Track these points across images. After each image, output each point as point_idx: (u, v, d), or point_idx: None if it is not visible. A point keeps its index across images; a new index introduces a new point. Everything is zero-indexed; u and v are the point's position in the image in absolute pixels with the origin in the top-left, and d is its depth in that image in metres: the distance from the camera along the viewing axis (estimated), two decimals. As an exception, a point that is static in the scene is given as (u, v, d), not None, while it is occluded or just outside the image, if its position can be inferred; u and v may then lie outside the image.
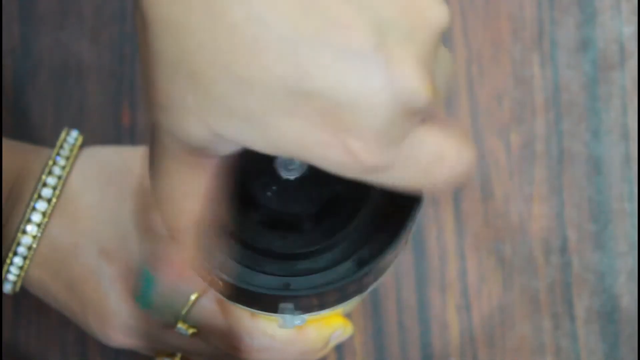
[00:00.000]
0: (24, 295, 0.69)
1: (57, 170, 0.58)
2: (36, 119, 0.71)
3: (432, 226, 0.70)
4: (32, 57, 0.71)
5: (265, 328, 0.58)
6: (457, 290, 0.69)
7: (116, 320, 0.58)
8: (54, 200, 0.56)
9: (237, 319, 0.57)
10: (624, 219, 0.70)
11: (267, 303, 0.49)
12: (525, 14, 0.72)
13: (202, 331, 0.58)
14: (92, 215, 0.57)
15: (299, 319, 0.54)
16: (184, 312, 0.57)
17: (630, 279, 0.70)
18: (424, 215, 0.70)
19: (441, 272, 0.70)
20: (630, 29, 0.72)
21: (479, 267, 0.70)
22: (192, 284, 0.57)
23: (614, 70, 0.72)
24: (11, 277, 0.58)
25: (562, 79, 0.72)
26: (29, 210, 0.57)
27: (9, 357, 0.68)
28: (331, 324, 0.60)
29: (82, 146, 0.60)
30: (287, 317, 0.53)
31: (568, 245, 0.70)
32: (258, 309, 0.52)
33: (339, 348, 0.69)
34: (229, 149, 0.37)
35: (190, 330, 0.58)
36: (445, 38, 0.73)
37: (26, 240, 0.57)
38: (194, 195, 0.40)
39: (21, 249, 0.57)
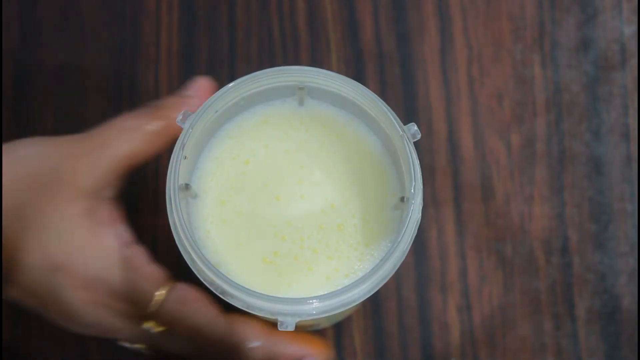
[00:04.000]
0: (24, 295, 0.69)
1: None
2: (36, 119, 0.71)
3: (432, 226, 0.70)
4: (32, 57, 0.71)
5: (237, 328, 0.60)
6: (458, 290, 0.69)
7: (83, 323, 0.60)
8: None
9: (207, 317, 0.59)
10: (625, 220, 0.70)
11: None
12: (526, 14, 0.72)
13: (171, 332, 0.59)
14: (37, 230, 0.58)
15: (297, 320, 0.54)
16: (150, 310, 0.59)
17: (631, 280, 0.70)
18: (425, 216, 0.70)
19: (442, 272, 0.70)
20: (631, 29, 0.72)
21: (479, 268, 0.70)
22: (155, 281, 0.60)
23: (614, 70, 0.72)
24: None
25: (562, 79, 0.72)
26: None
27: (9, 357, 0.68)
28: (304, 345, 0.61)
29: None
30: (289, 319, 0.53)
31: (569, 245, 0.70)
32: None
33: (339, 348, 0.69)
34: None
35: (158, 329, 0.59)
36: (446, 38, 0.73)
37: None
38: None
39: None
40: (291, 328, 0.53)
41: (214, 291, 0.55)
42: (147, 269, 0.59)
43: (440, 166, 0.71)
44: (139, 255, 0.59)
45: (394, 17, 0.72)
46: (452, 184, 0.71)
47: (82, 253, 0.58)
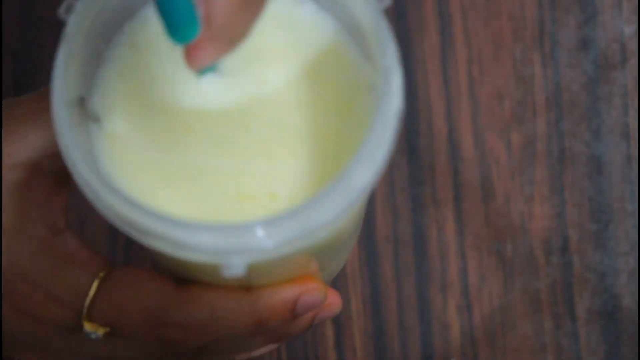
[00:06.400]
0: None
1: None
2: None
3: (432, 226, 0.70)
4: (32, 57, 0.71)
5: (200, 297, 0.44)
6: (458, 290, 0.69)
7: (14, 342, 0.46)
8: None
9: (161, 295, 0.44)
10: (625, 219, 0.70)
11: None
12: (526, 13, 0.72)
13: (118, 327, 0.45)
14: None
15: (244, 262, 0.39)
16: (86, 304, 0.45)
17: (631, 279, 0.70)
18: (425, 215, 0.70)
19: (442, 271, 0.70)
20: (631, 29, 0.72)
21: (479, 267, 0.70)
22: (92, 267, 0.46)
23: (615, 70, 0.72)
24: None
25: (563, 78, 0.72)
26: None
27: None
28: (292, 285, 0.44)
29: None
30: (236, 259, 0.39)
31: (569, 245, 0.70)
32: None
33: (339, 348, 0.69)
34: None
35: (102, 330, 0.45)
36: (446, 37, 0.73)
37: None
38: None
39: None
40: (240, 271, 0.38)
41: (131, 234, 0.40)
42: (81, 255, 0.45)
43: (440, 166, 0.71)
44: (71, 241, 0.46)
45: (394, 17, 0.72)
46: (452, 184, 0.71)
47: (3, 244, 0.44)
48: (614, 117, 0.71)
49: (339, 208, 0.39)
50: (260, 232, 0.38)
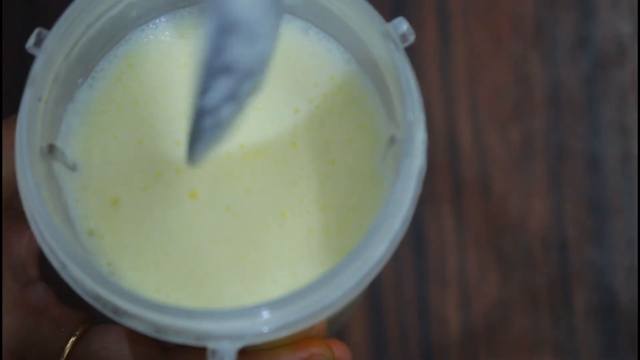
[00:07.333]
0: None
1: None
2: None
3: (431, 222, 0.70)
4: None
5: None
6: (457, 285, 0.70)
7: None
8: None
9: None
10: (623, 215, 0.71)
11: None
12: (525, 10, 0.72)
13: None
14: None
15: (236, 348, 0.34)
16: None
17: (628, 275, 0.70)
18: (424, 211, 0.70)
19: (441, 268, 0.70)
20: (630, 27, 0.72)
21: (478, 263, 0.70)
22: (67, 324, 0.41)
23: (613, 68, 0.72)
24: None
25: (561, 75, 0.72)
26: None
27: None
28: (293, 350, 0.39)
29: None
30: (225, 345, 0.34)
31: (567, 241, 0.70)
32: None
33: (339, 344, 0.69)
34: None
35: None
36: (445, 34, 0.73)
37: None
38: None
39: None
40: (230, 359, 0.33)
41: (103, 311, 0.35)
42: (55, 311, 0.40)
43: (439, 162, 0.71)
44: (42, 295, 0.41)
45: (393, 14, 0.72)
46: (451, 180, 0.71)
47: None
48: (612, 114, 0.72)
49: (355, 284, 0.35)
50: (267, 315, 0.33)
